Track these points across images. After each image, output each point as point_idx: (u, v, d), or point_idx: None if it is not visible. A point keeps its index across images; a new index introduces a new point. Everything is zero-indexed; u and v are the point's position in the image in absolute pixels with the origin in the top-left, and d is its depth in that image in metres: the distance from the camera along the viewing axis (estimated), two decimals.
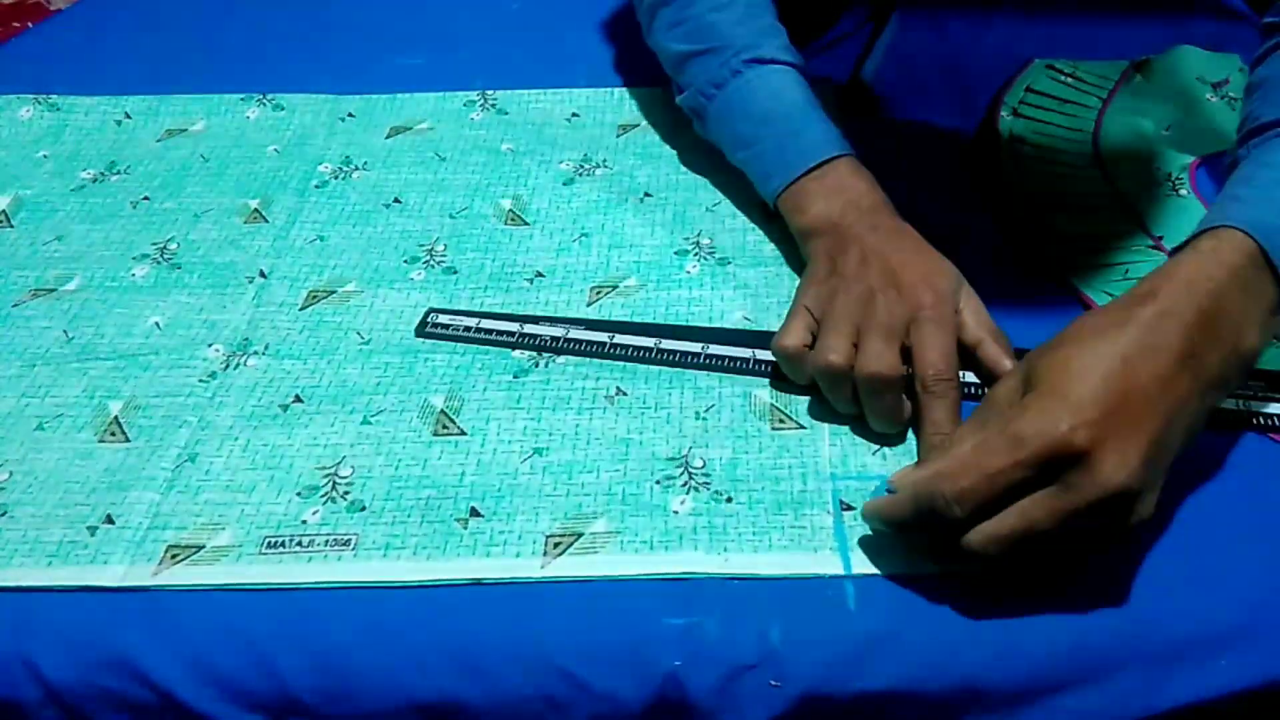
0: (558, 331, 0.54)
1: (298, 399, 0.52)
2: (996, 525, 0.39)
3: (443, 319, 0.56)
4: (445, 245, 0.61)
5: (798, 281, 0.56)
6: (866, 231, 0.53)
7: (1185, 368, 0.40)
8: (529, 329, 0.55)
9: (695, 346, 0.53)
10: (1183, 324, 0.40)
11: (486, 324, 0.55)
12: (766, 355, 0.52)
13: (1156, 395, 0.39)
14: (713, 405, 0.51)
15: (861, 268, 0.51)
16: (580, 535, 0.45)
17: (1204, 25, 0.77)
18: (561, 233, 0.62)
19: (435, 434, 0.50)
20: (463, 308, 0.57)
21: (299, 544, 0.45)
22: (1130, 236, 0.59)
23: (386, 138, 0.70)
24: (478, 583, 0.44)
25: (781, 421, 0.50)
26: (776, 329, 0.51)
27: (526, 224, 0.63)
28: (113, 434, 0.50)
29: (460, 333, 0.55)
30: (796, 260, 0.58)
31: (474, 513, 0.46)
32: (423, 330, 0.55)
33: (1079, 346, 0.41)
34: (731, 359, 0.53)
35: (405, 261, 0.60)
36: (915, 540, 0.43)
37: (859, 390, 0.48)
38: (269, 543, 0.45)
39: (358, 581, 0.44)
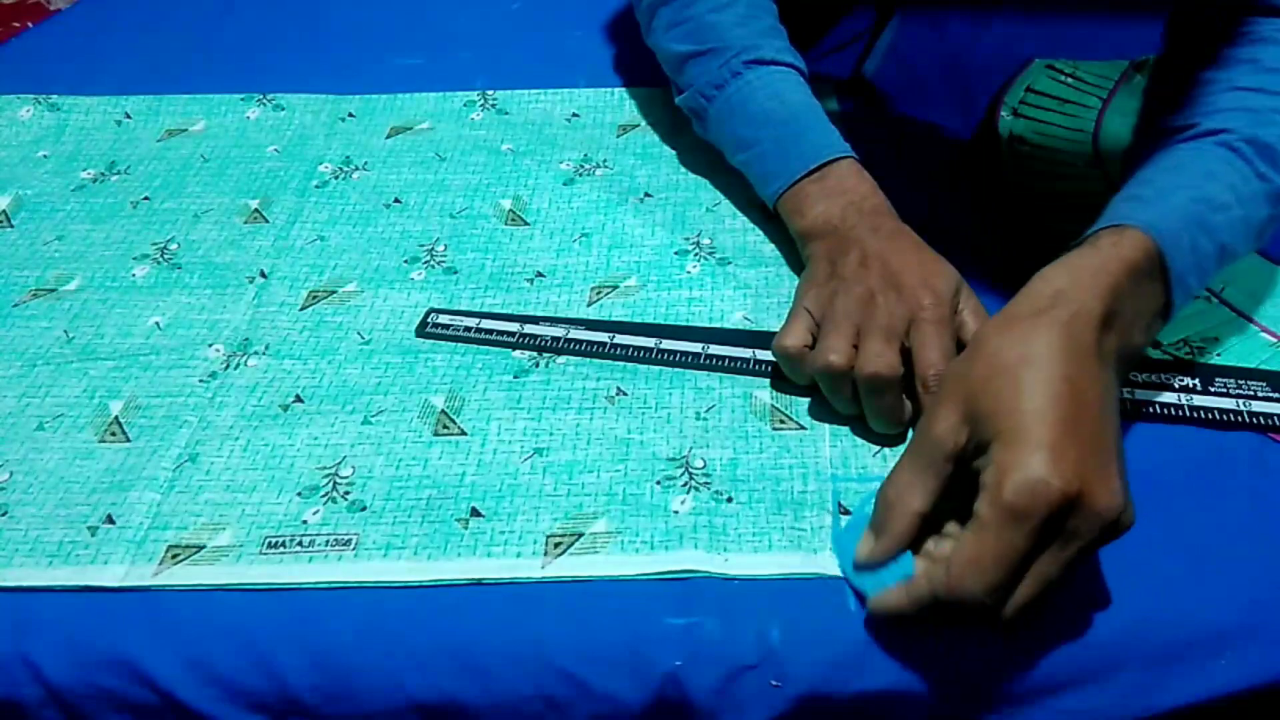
0: (558, 332, 0.54)
1: (298, 399, 0.52)
2: (1019, 596, 0.39)
3: (443, 319, 0.56)
4: (445, 245, 0.61)
5: (798, 282, 0.56)
6: (866, 234, 0.53)
7: (1103, 364, 0.41)
8: (529, 329, 0.55)
9: (695, 346, 0.53)
10: (1092, 322, 0.41)
11: (487, 324, 0.55)
12: (767, 355, 0.52)
13: (1098, 403, 0.39)
14: (713, 405, 0.51)
15: (861, 269, 0.51)
16: (581, 535, 0.45)
17: None
18: (561, 233, 0.62)
19: (436, 434, 0.50)
20: (463, 308, 0.57)
21: (299, 544, 0.45)
22: None
23: (386, 138, 0.70)
24: (478, 583, 0.44)
25: (782, 422, 0.50)
26: (777, 329, 0.51)
27: (526, 224, 0.63)
28: (113, 434, 0.50)
29: (460, 333, 0.55)
30: (796, 260, 0.58)
31: (474, 513, 0.46)
32: (423, 330, 0.55)
33: (1018, 375, 0.39)
34: (731, 359, 0.53)
35: (405, 261, 0.60)
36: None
37: (859, 390, 0.48)
38: (269, 543, 0.45)
39: (358, 581, 0.44)
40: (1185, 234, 0.44)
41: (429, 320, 0.56)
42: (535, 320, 0.55)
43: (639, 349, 0.53)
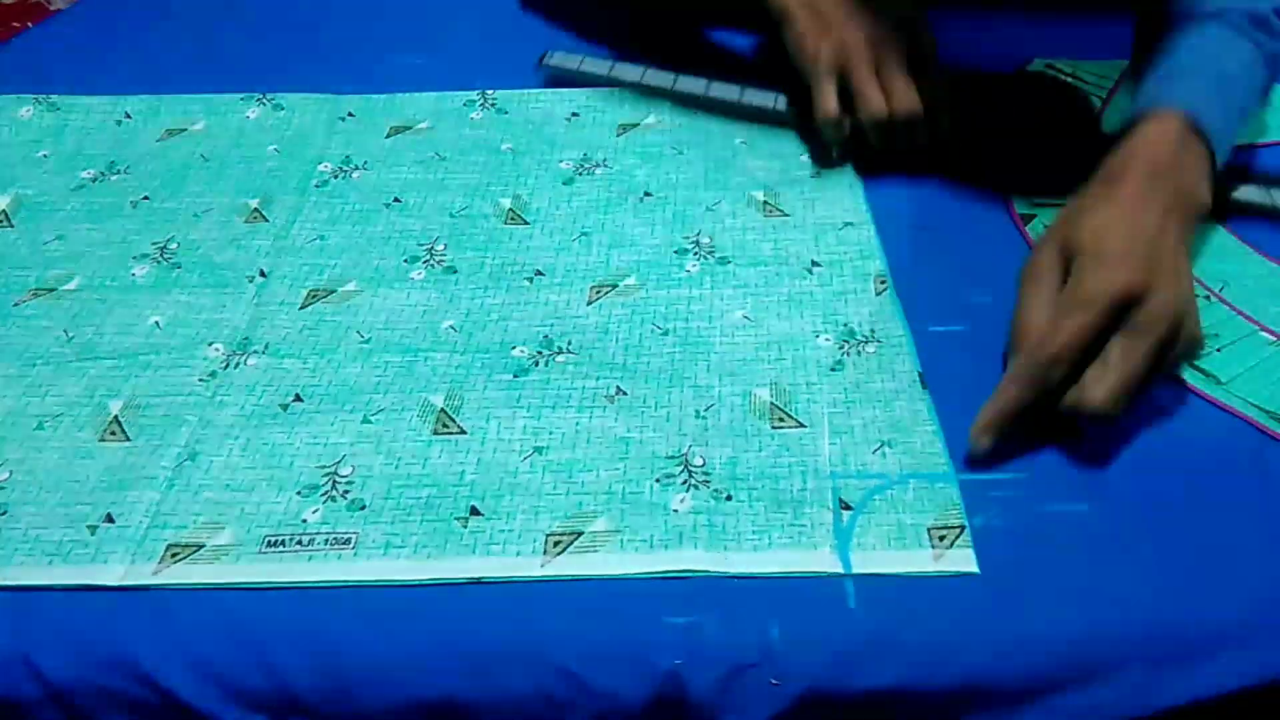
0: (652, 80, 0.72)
1: (298, 398, 0.52)
2: (1107, 381, 0.45)
3: (557, 59, 0.73)
4: (445, 245, 0.61)
5: (795, 279, 0.56)
6: None
7: (1169, 216, 0.49)
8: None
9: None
10: (1154, 187, 0.50)
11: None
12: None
13: (1162, 240, 0.48)
14: (712, 404, 0.51)
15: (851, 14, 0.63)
16: (580, 534, 0.45)
17: None
18: (561, 232, 0.62)
19: (435, 433, 0.50)
20: (462, 308, 0.57)
21: (299, 543, 0.45)
22: None
23: (386, 137, 0.70)
24: (478, 582, 0.44)
25: (781, 420, 0.50)
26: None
27: (526, 223, 0.63)
28: (113, 433, 0.50)
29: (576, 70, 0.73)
30: (795, 260, 0.58)
31: (474, 511, 0.46)
32: (540, 64, 0.71)
33: (1098, 217, 0.49)
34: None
35: (405, 261, 0.60)
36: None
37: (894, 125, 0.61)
38: (269, 542, 0.45)
39: (358, 580, 0.44)
40: (1215, 104, 0.53)
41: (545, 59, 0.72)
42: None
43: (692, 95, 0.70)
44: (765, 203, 0.63)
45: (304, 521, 0.46)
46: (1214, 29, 0.56)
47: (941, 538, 0.44)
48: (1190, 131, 0.52)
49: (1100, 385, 0.45)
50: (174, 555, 0.45)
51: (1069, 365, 0.46)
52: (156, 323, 0.56)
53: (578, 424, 0.50)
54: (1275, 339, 0.53)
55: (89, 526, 0.46)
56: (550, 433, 0.50)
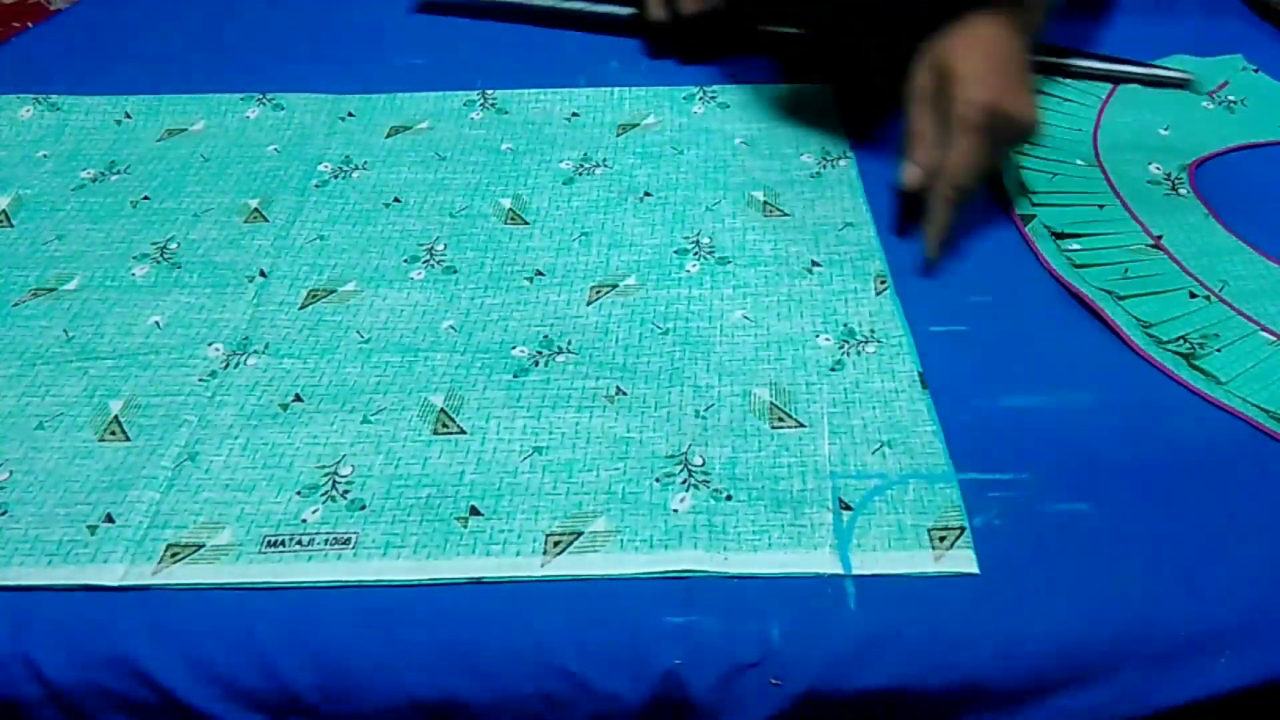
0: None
1: (298, 398, 0.52)
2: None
3: None
4: (445, 244, 0.61)
5: (795, 279, 0.56)
6: None
7: (1012, 32, 0.58)
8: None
9: None
10: (999, 16, 0.59)
11: None
12: None
13: (1007, 49, 0.58)
14: (712, 404, 0.51)
15: None
16: (580, 534, 0.45)
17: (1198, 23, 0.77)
18: (561, 232, 0.62)
19: (435, 433, 0.50)
20: (462, 308, 0.57)
21: (299, 543, 0.45)
22: (1130, 236, 0.60)
23: (386, 137, 0.70)
24: (478, 581, 0.44)
25: (780, 420, 0.50)
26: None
27: (526, 223, 0.63)
28: (113, 433, 0.50)
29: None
30: (795, 260, 0.58)
31: (474, 511, 0.46)
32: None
33: (959, 43, 0.58)
34: None
35: (405, 261, 0.60)
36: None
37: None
38: (269, 542, 0.45)
39: (358, 580, 0.44)
40: None
41: None
42: None
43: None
44: (765, 203, 0.63)
45: (304, 521, 0.46)
46: None
47: (942, 538, 0.44)
48: None
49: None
50: (173, 555, 0.45)
51: (971, 180, 0.57)
52: (156, 323, 0.56)
53: (577, 424, 0.50)
54: (1275, 339, 0.53)
55: (89, 526, 0.46)
56: (550, 433, 0.50)
